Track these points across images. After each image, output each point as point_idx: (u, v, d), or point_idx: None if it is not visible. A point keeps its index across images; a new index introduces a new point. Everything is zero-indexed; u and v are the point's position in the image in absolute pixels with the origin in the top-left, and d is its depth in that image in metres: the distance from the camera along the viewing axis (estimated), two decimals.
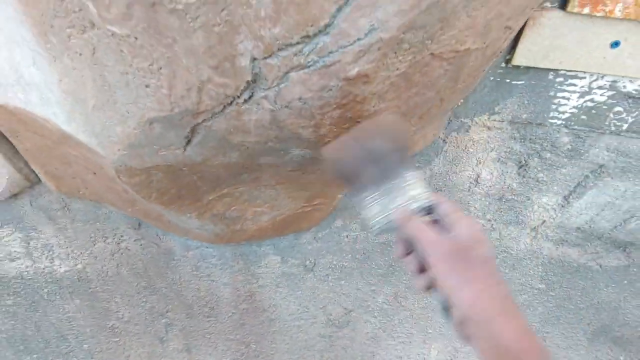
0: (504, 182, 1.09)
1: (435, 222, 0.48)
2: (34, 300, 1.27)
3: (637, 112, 0.89)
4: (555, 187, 1.08)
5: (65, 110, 0.61)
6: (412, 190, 0.49)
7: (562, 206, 1.12)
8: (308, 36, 0.45)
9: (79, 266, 1.22)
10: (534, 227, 1.18)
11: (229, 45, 0.46)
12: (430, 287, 0.47)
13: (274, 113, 0.53)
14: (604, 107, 0.89)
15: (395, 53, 0.49)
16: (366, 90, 0.53)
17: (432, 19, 0.47)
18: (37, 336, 1.36)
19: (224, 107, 0.53)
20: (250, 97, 0.52)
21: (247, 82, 0.50)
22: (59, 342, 1.38)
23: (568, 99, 0.89)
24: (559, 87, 0.88)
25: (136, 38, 0.46)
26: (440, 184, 1.12)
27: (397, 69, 0.53)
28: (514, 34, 0.75)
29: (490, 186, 1.11)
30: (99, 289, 1.29)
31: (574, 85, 0.87)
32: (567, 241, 1.19)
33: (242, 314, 1.43)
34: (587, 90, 0.87)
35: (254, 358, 1.55)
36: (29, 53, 0.55)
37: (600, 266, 1.22)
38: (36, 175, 0.95)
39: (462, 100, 0.93)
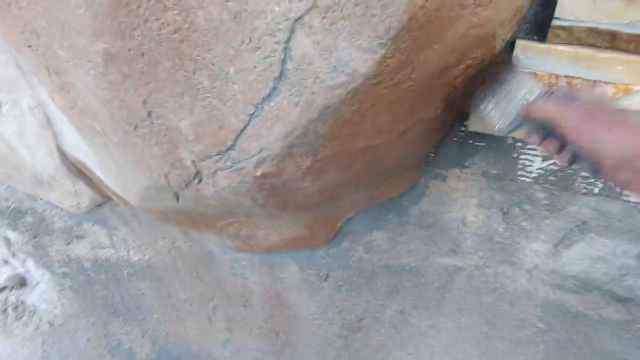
0: (490, 226, 1.15)
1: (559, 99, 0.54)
2: (118, 277, 1.70)
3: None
4: (542, 236, 1.10)
5: (102, 171, 0.90)
6: (527, 85, 0.58)
7: (553, 254, 1.13)
8: (221, 151, 0.65)
9: (146, 257, 1.60)
10: (529, 269, 1.21)
11: (174, 154, 0.69)
12: (573, 159, 0.53)
13: (217, 192, 0.75)
14: (570, 170, 0.92)
15: (292, 159, 0.67)
16: (279, 180, 0.71)
17: (310, 139, 0.63)
18: (122, 304, 1.80)
19: (186, 185, 0.76)
20: (200, 181, 0.74)
21: (194, 173, 0.72)
22: (137, 310, 1.81)
23: (532, 161, 0.93)
24: (520, 150, 0.93)
25: (124, 145, 0.71)
26: (430, 221, 1.22)
27: (303, 165, 0.70)
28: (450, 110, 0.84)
29: (477, 227, 1.17)
30: (162, 275, 1.66)
31: (534, 149, 0.91)
32: (563, 287, 1.20)
33: (271, 307, 1.69)
34: (548, 155, 0.91)
35: (281, 345, 1.82)
36: (78, 138, 0.84)
37: (601, 317, 1.19)
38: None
39: (432, 154, 1.03)
